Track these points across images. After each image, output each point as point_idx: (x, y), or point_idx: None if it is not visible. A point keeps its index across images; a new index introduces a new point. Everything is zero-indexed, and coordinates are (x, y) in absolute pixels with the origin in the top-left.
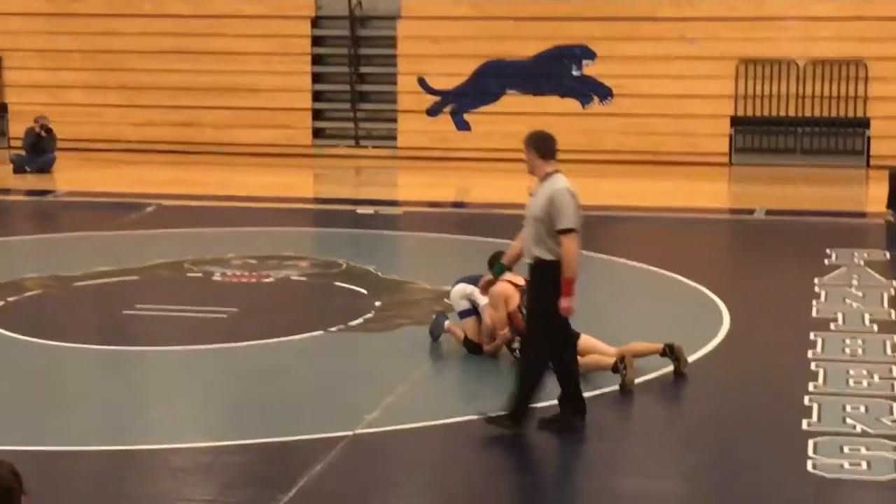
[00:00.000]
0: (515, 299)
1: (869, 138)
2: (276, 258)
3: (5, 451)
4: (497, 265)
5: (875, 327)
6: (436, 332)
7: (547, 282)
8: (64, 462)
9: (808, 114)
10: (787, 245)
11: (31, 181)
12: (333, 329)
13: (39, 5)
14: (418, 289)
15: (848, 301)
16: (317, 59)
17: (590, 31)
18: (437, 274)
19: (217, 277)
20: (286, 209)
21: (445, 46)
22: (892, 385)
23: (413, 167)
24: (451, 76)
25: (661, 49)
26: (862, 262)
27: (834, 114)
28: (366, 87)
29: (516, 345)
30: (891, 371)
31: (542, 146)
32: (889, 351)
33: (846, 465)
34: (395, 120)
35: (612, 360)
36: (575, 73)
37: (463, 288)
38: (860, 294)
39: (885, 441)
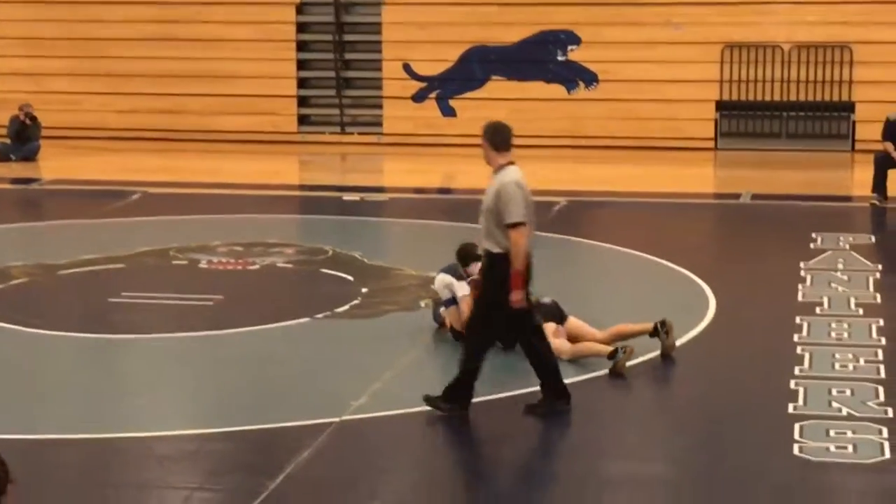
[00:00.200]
0: None
1: (854, 122)
2: (262, 245)
3: None
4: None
5: (860, 311)
6: (439, 319)
7: (495, 274)
8: (49, 450)
9: (793, 98)
10: (773, 229)
11: (16, 169)
12: (320, 316)
13: None
14: (404, 275)
15: (833, 285)
16: (301, 46)
17: (574, 16)
18: (423, 260)
19: (203, 265)
20: (272, 196)
21: (430, 32)
22: (878, 368)
23: (399, 153)
24: (436, 62)
25: (646, 34)
26: (847, 247)
27: (819, 98)
28: (351, 74)
29: None
30: (876, 354)
31: (496, 137)
32: (874, 334)
33: (832, 449)
34: (380, 106)
35: (607, 349)
36: (560, 58)
37: (443, 278)
38: (846, 278)
39: (871, 424)
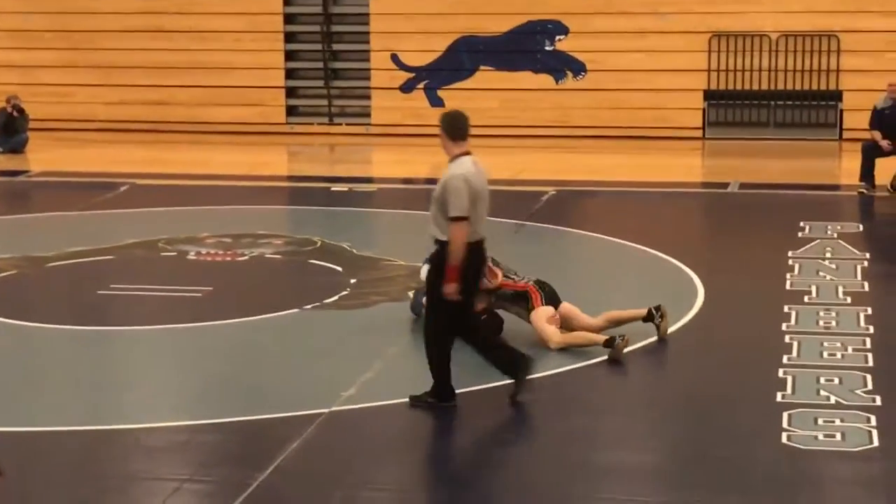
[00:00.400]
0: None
1: (841, 111)
2: (251, 236)
3: None
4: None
5: (848, 299)
6: (416, 309)
7: (442, 261)
8: (38, 442)
9: (780, 87)
10: (761, 218)
11: (4, 162)
12: (308, 307)
13: None
14: (393, 265)
15: (821, 274)
16: (289, 37)
17: (562, 5)
18: (411, 250)
19: (191, 256)
20: (260, 187)
21: (418, 23)
22: (866, 357)
23: (387, 144)
24: (424, 53)
25: (633, 23)
26: (835, 235)
27: (806, 87)
28: (339, 65)
29: None
30: (864, 343)
31: (451, 127)
32: (862, 323)
33: (820, 437)
34: (368, 97)
35: (601, 337)
36: (548, 48)
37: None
38: (833, 267)
39: (859, 412)
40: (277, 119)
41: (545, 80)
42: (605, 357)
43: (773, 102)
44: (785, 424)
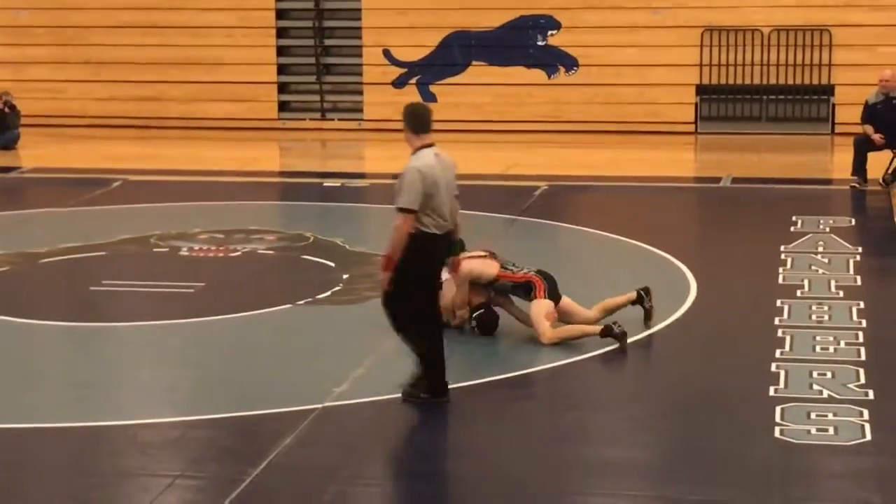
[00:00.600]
0: (489, 269)
1: (833, 105)
2: (243, 232)
3: None
4: (453, 245)
5: (841, 293)
6: None
7: (407, 251)
8: (31, 439)
9: (773, 82)
10: (754, 213)
11: None
12: (301, 302)
13: None
14: None
15: (814, 268)
16: (281, 32)
17: (554, 0)
18: None
19: (184, 252)
20: (252, 183)
21: (410, 18)
22: (858, 351)
23: (379, 139)
24: (416, 48)
25: (625, 18)
26: (827, 229)
27: (799, 81)
28: (331, 60)
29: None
30: (857, 337)
31: (413, 120)
32: (855, 317)
33: (813, 431)
34: (360, 92)
35: (596, 329)
36: (540, 43)
37: None
38: (826, 261)
39: (852, 406)
40: (269, 115)
41: (537, 75)
42: (597, 353)
43: (765, 97)
44: (778, 419)
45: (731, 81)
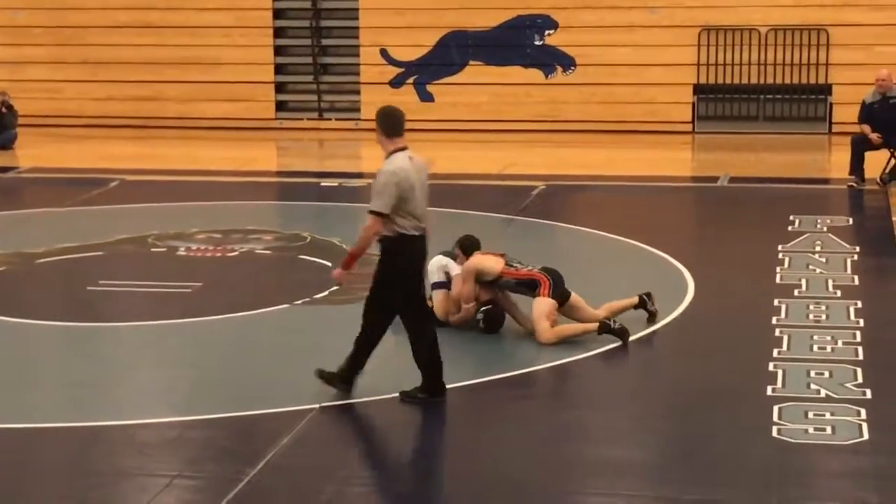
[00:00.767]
0: (493, 265)
1: (831, 105)
2: (241, 232)
3: None
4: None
5: (838, 293)
6: None
7: (387, 254)
8: (29, 439)
9: (770, 81)
10: (751, 212)
11: None
12: (299, 302)
13: None
14: None
15: (811, 267)
16: (278, 32)
17: (551, 0)
18: None
19: (181, 252)
20: (250, 183)
21: (407, 18)
22: (856, 350)
23: (376, 139)
24: (413, 47)
25: (623, 17)
26: (825, 229)
27: (796, 81)
28: (328, 60)
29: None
30: (854, 336)
31: (386, 123)
32: (852, 316)
33: (811, 431)
34: (358, 92)
35: (593, 326)
36: (537, 42)
37: (439, 259)
38: (823, 260)
39: (849, 406)
40: (267, 114)
41: (535, 74)
42: (595, 352)
43: (762, 96)
44: (775, 418)
45: (728, 81)
